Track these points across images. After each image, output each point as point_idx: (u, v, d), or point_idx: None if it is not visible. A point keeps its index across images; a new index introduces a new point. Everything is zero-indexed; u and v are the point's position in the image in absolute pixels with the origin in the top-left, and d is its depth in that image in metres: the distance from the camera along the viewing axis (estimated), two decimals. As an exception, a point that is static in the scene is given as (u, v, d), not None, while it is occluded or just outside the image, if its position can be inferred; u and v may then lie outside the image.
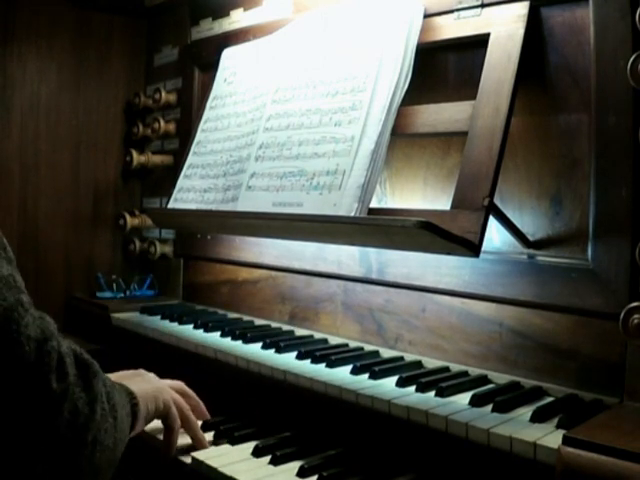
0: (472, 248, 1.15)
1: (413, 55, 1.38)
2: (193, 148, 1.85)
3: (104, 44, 2.30)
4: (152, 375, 1.26)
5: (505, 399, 1.15)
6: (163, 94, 2.20)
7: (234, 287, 1.95)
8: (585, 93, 1.23)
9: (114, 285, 2.20)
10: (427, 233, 1.10)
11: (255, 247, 1.87)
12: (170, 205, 1.83)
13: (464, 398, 1.19)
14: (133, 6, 2.34)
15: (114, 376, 1.12)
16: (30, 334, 0.76)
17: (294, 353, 1.47)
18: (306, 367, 1.39)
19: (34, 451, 0.76)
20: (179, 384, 1.32)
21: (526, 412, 1.12)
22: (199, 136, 1.85)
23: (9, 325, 0.74)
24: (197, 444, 1.28)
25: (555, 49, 1.28)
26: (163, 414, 1.22)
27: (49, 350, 0.77)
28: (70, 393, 0.79)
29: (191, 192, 1.78)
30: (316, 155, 1.42)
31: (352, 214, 1.30)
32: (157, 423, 1.26)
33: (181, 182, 1.83)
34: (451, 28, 1.40)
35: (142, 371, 1.26)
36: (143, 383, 1.18)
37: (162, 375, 1.32)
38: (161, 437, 1.28)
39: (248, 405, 1.44)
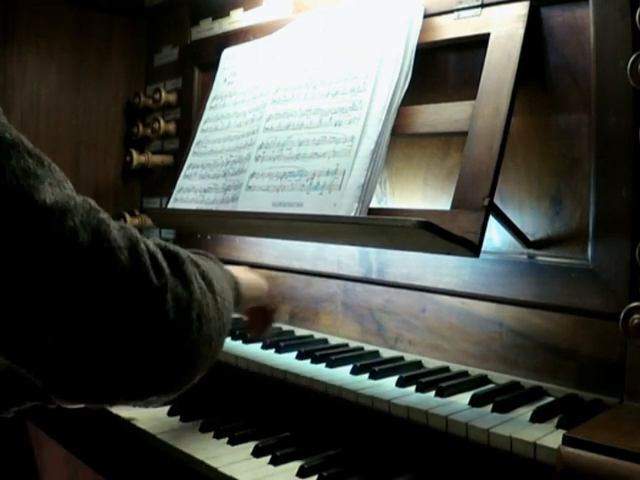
0: (472, 248, 1.15)
1: (413, 55, 1.38)
2: (193, 148, 1.85)
3: (104, 44, 2.30)
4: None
5: (505, 399, 1.15)
6: (163, 94, 2.20)
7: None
8: (585, 93, 1.23)
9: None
10: (427, 233, 1.10)
11: (255, 247, 1.88)
12: (170, 205, 1.83)
13: (464, 398, 1.19)
14: (133, 6, 2.34)
15: None
16: (120, 245, 0.82)
17: (294, 353, 1.47)
18: (306, 367, 1.39)
19: (152, 342, 0.83)
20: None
21: (526, 412, 1.12)
22: (199, 136, 1.85)
23: (101, 243, 0.80)
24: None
25: (555, 49, 1.28)
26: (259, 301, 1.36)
27: (140, 253, 0.84)
28: (169, 283, 0.86)
29: (191, 192, 1.78)
30: (316, 155, 1.42)
31: (352, 214, 1.30)
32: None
33: (181, 182, 1.83)
34: (451, 28, 1.40)
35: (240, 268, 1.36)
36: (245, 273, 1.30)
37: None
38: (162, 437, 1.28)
39: (248, 405, 1.44)
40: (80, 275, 0.78)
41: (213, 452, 1.25)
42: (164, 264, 0.87)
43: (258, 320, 1.41)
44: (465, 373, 1.34)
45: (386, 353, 1.49)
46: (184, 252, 0.95)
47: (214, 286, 0.97)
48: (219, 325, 0.96)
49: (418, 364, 1.42)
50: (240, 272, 1.27)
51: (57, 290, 0.77)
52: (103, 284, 0.79)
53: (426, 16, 1.42)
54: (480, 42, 1.33)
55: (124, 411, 1.42)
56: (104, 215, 0.84)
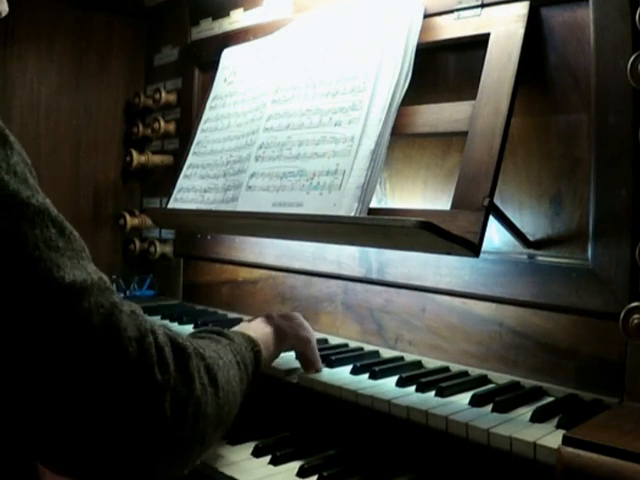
0: (472, 248, 1.15)
1: (413, 55, 1.38)
2: (193, 148, 1.85)
3: (104, 44, 2.31)
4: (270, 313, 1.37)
5: (505, 399, 1.15)
6: (163, 94, 2.20)
7: (234, 287, 1.95)
8: (585, 93, 1.23)
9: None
10: (427, 233, 1.10)
11: (255, 247, 1.88)
12: (170, 205, 1.83)
13: (464, 398, 1.19)
14: (133, 6, 2.34)
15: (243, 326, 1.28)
16: (130, 335, 0.82)
17: (294, 353, 1.47)
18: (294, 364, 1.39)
19: (144, 435, 0.84)
20: (295, 315, 1.41)
21: (526, 412, 1.11)
22: (199, 136, 1.85)
23: (111, 331, 0.80)
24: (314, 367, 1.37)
25: (555, 49, 1.28)
26: (289, 348, 1.36)
27: (148, 346, 0.84)
28: (172, 380, 0.86)
29: (191, 192, 1.78)
30: (316, 155, 1.42)
31: (352, 214, 1.30)
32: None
33: (181, 182, 1.83)
34: (451, 28, 1.40)
35: (267, 314, 1.36)
36: (264, 327, 1.29)
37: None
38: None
39: (247, 405, 1.44)
40: (87, 359, 0.78)
41: (213, 452, 1.25)
42: (170, 359, 0.87)
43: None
44: (465, 373, 1.34)
45: (386, 353, 1.49)
46: (192, 344, 0.95)
47: (218, 381, 0.97)
48: (216, 420, 0.96)
49: (418, 364, 1.42)
50: (260, 328, 1.26)
51: (63, 369, 0.77)
52: (108, 372, 0.80)
53: (426, 16, 1.42)
54: (480, 42, 1.33)
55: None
56: (117, 298, 0.84)
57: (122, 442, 0.83)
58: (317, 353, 1.38)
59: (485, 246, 1.17)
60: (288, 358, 1.45)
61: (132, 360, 0.81)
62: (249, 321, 1.33)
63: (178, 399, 0.87)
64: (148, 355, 0.83)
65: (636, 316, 1.07)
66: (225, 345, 1.08)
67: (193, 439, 0.91)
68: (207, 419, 0.93)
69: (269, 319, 1.32)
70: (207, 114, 1.86)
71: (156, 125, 2.20)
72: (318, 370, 1.36)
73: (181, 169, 1.86)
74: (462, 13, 1.37)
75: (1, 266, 0.73)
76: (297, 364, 1.39)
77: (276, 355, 1.30)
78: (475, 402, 1.16)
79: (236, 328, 1.25)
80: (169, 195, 1.86)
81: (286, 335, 1.31)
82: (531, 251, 1.31)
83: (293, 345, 1.36)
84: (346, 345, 1.56)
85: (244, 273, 1.92)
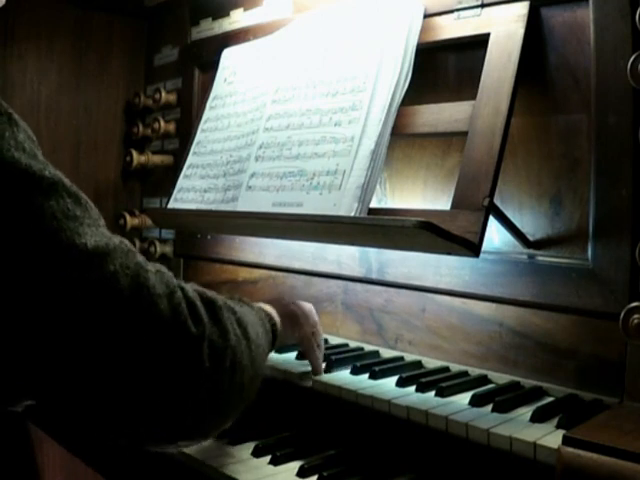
0: (472, 248, 1.15)
1: (413, 55, 1.38)
2: (193, 148, 1.85)
3: (104, 44, 2.30)
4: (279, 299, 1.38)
5: (505, 399, 1.15)
6: (163, 94, 2.20)
7: (234, 287, 1.95)
8: (585, 93, 1.23)
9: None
10: (427, 233, 1.10)
11: (255, 247, 1.87)
12: (170, 205, 1.83)
13: (464, 398, 1.19)
14: (133, 6, 2.34)
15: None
16: (159, 292, 0.82)
17: (294, 353, 1.47)
18: (306, 367, 1.39)
19: (186, 389, 0.84)
20: (307, 306, 1.40)
21: (526, 412, 1.12)
22: (199, 136, 1.85)
23: (140, 291, 0.81)
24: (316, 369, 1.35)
25: (555, 49, 1.28)
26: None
27: (179, 301, 0.84)
28: (207, 331, 0.87)
29: (191, 192, 1.78)
30: (316, 155, 1.42)
31: (352, 214, 1.30)
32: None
33: (181, 182, 1.83)
34: (451, 28, 1.40)
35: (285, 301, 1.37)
36: (279, 307, 1.28)
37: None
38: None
39: (248, 405, 1.44)
40: (120, 321, 0.79)
41: (213, 452, 1.25)
42: (202, 311, 0.88)
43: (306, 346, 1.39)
44: (465, 373, 1.34)
45: (386, 353, 1.49)
46: (221, 298, 0.96)
47: (249, 333, 0.98)
48: (252, 373, 0.97)
49: (418, 364, 1.42)
50: (274, 308, 1.26)
51: (98, 335, 0.78)
52: (143, 331, 0.80)
53: (426, 16, 1.42)
54: (480, 42, 1.33)
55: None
56: (140, 258, 0.85)
57: (165, 399, 0.83)
58: (321, 356, 1.38)
59: (485, 246, 1.17)
60: (288, 359, 1.45)
61: (165, 316, 0.82)
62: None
63: (215, 350, 0.87)
64: (179, 310, 0.84)
65: (636, 316, 1.07)
66: (249, 308, 1.10)
67: (232, 390, 0.91)
68: (244, 370, 0.93)
69: (286, 305, 1.33)
70: (207, 114, 1.86)
71: (156, 125, 2.20)
72: (319, 373, 1.36)
73: (181, 169, 1.86)
74: (462, 13, 1.37)
75: (23, 241, 0.74)
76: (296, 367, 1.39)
77: (282, 341, 1.28)
78: (475, 402, 1.16)
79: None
80: (169, 195, 1.86)
81: (299, 325, 1.32)
82: (531, 251, 1.31)
83: (301, 340, 1.35)
84: (346, 345, 1.56)
85: (244, 273, 1.92)
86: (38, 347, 0.76)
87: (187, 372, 0.84)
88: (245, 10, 1.98)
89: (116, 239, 0.83)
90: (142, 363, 0.80)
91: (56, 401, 0.83)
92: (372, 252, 1.56)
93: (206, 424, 0.91)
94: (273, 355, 1.48)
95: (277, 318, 1.21)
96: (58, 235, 0.76)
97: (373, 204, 1.35)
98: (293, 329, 1.32)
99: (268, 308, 1.22)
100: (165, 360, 0.82)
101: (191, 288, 0.90)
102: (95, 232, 0.80)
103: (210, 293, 0.94)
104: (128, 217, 2.23)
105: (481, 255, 1.17)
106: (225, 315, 0.93)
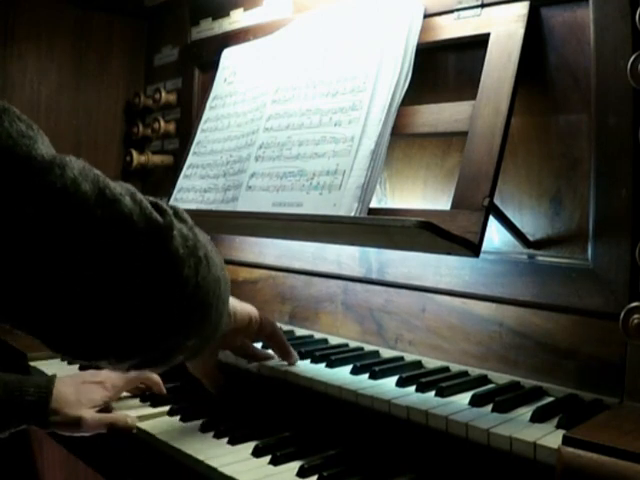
0: (472, 248, 1.15)
1: (413, 55, 1.38)
2: (193, 148, 1.85)
3: (104, 44, 2.30)
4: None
5: (505, 399, 1.15)
6: (163, 94, 2.20)
7: (234, 287, 1.93)
8: (585, 93, 1.23)
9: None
10: (427, 233, 1.10)
11: (255, 247, 1.87)
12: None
13: (464, 398, 1.19)
14: (133, 6, 2.34)
15: None
16: (121, 192, 0.85)
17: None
18: (306, 367, 1.39)
19: (166, 277, 0.86)
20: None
21: (526, 412, 1.11)
22: (199, 136, 1.85)
23: (103, 191, 0.83)
24: (289, 359, 1.35)
25: (555, 49, 1.28)
26: (251, 323, 1.31)
27: (140, 199, 0.87)
28: (174, 223, 0.89)
29: (191, 192, 1.78)
30: (316, 155, 1.42)
31: (352, 214, 1.30)
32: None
33: (181, 182, 1.84)
34: (451, 28, 1.40)
35: None
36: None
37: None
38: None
39: (248, 405, 1.44)
40: (88, 223, 0.80)
41: (213, 452, 1.25)
42: (165, 206, 0.91)
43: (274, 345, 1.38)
44: (465, 373, 1.34)
45: (386, 353, 1.49)
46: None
47: (207, 242, 0.98)
48: (221, 276, 0.98)
49: (418, 364, 1.42)
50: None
51: (66, 240, 0.79)
52: (112, 228, 0.82)
53: (426, 16, 1.42)
54: (480, 42, 1.33)
55: (125, 412, 1.42)
56: (97, 171, 0.87)
57: (147, 291, 0.84)
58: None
59: (485, 246, 1.17)
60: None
61: (131, 211, 0.84)
62: None
63: (186, 240, 0.89)
64: (143, 205, 0.86)
65: (636, 316, 1.07)
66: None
67: (209, 280, 0.92)
68: (217, 267, 0.95)
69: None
70: (207, 114, 1.86)
71: (156, 125, 2.20)
72: (295, 360, 1.35)
73: (181, 169, 1.86)
74: (462, 13, 1.37)
75: None
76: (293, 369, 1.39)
77: (233, 318, 1.27)
78: (475, 402, 1.16)
79: None
80: (169, 195, 1.86)
81: (249, 309, 1.30)
82: (531, 251, 1.31)
83: (260, 324, 1.32)
84: (346, 345, 1.56)
85: (244, 273, 1.92)
86: (10, 259, 0.78)
87: (165, 259, 0.86)
88: (245, 10, 1.98)
89: (71, 156, 0.85)
90: (119, 259, 0.82)
91: (36, 318, 0.84)
92: (372, 252, 1.56)
93: (194, 315, 0.92)
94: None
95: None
96: (14, 150, 0.78)
97: (373, 204, 1.35)
98: (243, 309, 1.30)
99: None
100: (140, 251, 0.84)
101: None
102: (50, 149, 0.83)
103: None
104: (128, 217, 2.22)
105: (481, 255, 1.17)
106: (186, 216, 0.96)
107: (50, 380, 1.29)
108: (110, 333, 0.86)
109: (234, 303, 1.26)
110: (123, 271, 0.83)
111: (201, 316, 0.95)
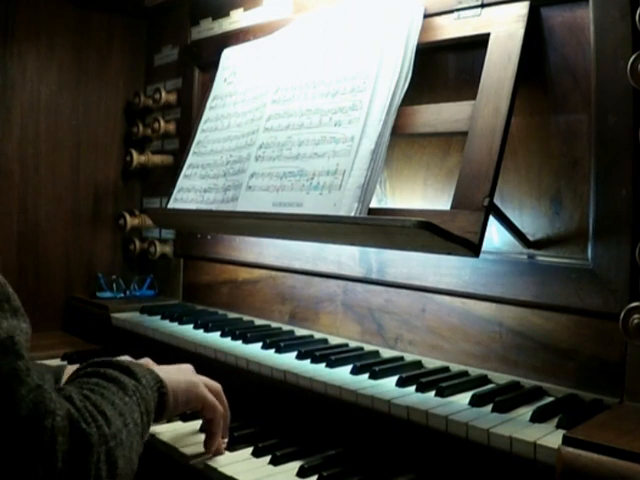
0: (472, 248, 1.15)
1: (413, 55, 1.38)
2: (193, 148, 1.85)
3: (104, 44, 2.31)
4: (191, 369, 1.26)
5: (505, 399, 1.15)
6: (163, 94, 2.20)
7: (234, 287, 1.95)
8: (585, 93, 1.23)
9: (114, 285, 2.20)
10: (427, 233, 1.10)
11: (255, 247, 1.88)
12: (170, 205, 1.83)
13: (464, 398, 1.19)
14: (133, 6, 2.34)
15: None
16: (22, 414, 0.75)
17: (294, 353, 1.47)
18: (306, 367, 1.39)
19: None
20: (216, 386, 1.28)
21: (526, 412, 1.12)
22: (199, 136, 1.86)
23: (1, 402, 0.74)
24: (215, 451, 1.23)
25: (555, 49, 1.28)
26: (195, 408, 1.23)
27: (41, 432, 0.76)
28: (56, 477, 0.78)
29: (191, 192, 1.78)
30: (316, 155, 1.42)
31: (352, 214, 1.30)
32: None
33: (181, 182, 1.84)
34: (451, 28, 1.40)
35: (183, 365, 1.26)
36: (178, 374, 1.18)
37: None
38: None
39: (248, 405, 1.44)
40: None
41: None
42: (60, 452, 0.78)
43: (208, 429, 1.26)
44: (465, 373, 1.34)
45: (386, 353, 1.49)
46: (95, 422, 0.85)
47: (117, 468, 0.87)
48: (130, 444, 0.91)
49: (418, 364, 1.42)
50: (173, 373, 1.17)
51: None
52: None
53: (426, 16, 1.42)
54: (480, 42, 1.33)
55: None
56: (22, 364, 0.77)
57: None
58: (223, 431, 1.25)
59: (485, 246, 1.17)
60: (288, 359, 1.45)
61: (17, 445, 0.74)
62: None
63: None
64: (37, 443, 0.75)
65: (636, 316, 1.07)
66: (131, 394, 0.99)
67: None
68: (124, 453, 0.87)
69: (187, 371, 1.24)
70: (207, 114, 1.86)
71: (156, 125, 2.20)
72: (219, 452, 1.23)
73: (181, 169, 1.86)
74: (462, 13, 1.37)
75: None
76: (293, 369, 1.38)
77: (181, 409, 1.20)
78: (475, 402, 1.16)
79: (155, 368, 1.15)
80: (169, 195, 1.86)
81: (197, 392, 1.20)
82: (531, 251, 1.31)
83: (202, 408, 1.22)
84: (346, 345, 1.56)
85: (244, 273, 1.92)
86: None
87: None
88: (245, 10, 1.98)
89: (4, 333, 0.76)
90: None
91: None
92: (372, 252, 1.56)
93: None
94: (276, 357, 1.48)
95: (169, 389, 1.11)
96: None
97: (373, 204, 1.35)
98: (188, 401, 1.19)
99: (162, 375, 1.12)
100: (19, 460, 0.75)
101: (66, 414, 0.80)
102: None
103: (89, 416, 0.84)
104: (128, 217, 2.23)
105: (481, 255, 1.17)
106: (94, 457, 0.82)
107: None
108: None
109: (179, 391, 1.15)
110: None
111: None
